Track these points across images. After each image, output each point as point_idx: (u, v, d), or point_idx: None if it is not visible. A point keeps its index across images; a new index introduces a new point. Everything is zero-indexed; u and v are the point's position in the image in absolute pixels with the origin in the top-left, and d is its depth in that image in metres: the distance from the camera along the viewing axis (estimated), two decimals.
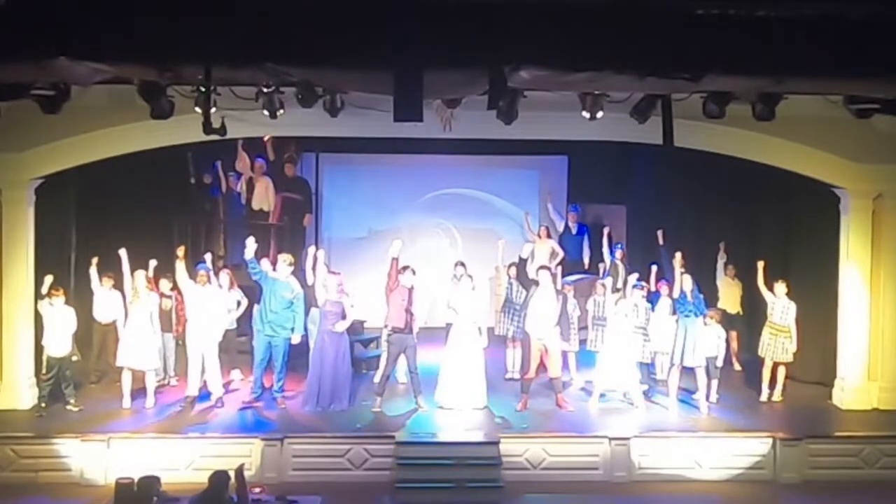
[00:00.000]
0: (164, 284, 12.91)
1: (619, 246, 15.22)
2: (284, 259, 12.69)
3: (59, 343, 12.09)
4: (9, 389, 12.32)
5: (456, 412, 12.29)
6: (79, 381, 12.84)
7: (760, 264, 13.10)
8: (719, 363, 12.71)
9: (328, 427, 11.80)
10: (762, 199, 14.71)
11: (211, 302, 12.49)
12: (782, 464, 11.55)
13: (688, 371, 12.57)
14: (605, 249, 15.14)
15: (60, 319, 12.10)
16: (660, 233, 13.64)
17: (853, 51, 8.55)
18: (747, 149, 12.38)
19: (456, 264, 13.71)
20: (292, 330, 12.49)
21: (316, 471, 11.25)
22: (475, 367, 12.45)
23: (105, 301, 13.12)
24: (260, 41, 8.35)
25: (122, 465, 10.79)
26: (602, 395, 12.75)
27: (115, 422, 11.88)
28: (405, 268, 12.49)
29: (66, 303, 12.25)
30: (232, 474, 8.93)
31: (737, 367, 14.44)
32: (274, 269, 12.58)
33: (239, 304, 13.18)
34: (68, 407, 12.20)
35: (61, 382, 12.18)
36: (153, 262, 12.73)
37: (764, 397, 13.11)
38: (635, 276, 13.25)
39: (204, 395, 12.54)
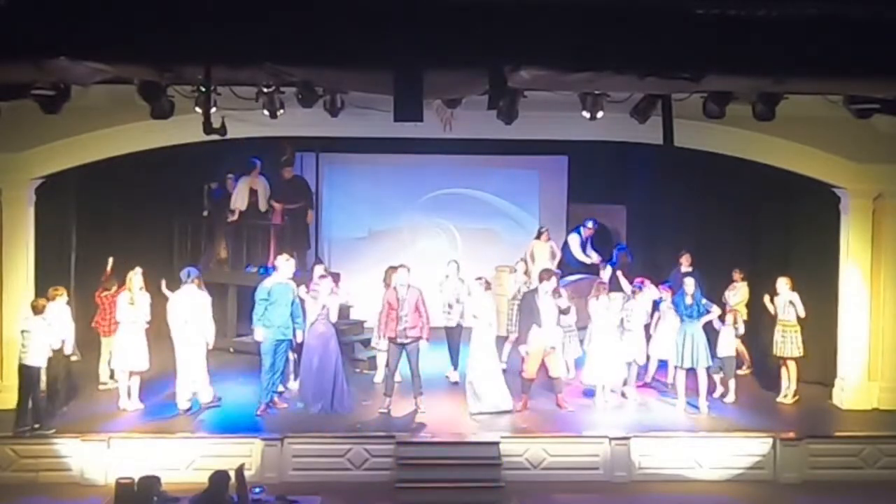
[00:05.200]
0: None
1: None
2: (286, 258, 12.53)
3: (39, 355, 11.35)
4: (9, 389, 12.30)
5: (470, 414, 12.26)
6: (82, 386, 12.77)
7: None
8: (732, 364, 12.82)
9: (328, 427, 11.79)
10: (762, 199, 14.69)
11: (192, 309, 12.00)
12: (782, 464, 11.56)
13: (690, 372, 12.57)
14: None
15: (43, 332, 11.35)
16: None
17: (853, 51, 8.55)
18: (747, 149, 12.39)
19: (478, 278, 13.34)
20: (295, 330, 12.32)
21: (316, 471, 11.24)
22: (498, 371, 12.46)
23: (55, 322, 11.63)
24: (260, 41, 8.34)
25: (122, 465, 10.78)
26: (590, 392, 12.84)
27: (115, 422, 11.88)
28: (395, 268, 12.39)
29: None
30: (232, 474, 8.93)
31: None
32: (276, 272, 12.42)
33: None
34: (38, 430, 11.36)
35: (28, 396, 11.30)
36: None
37: (782, 398, 13.05)
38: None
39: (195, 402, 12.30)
